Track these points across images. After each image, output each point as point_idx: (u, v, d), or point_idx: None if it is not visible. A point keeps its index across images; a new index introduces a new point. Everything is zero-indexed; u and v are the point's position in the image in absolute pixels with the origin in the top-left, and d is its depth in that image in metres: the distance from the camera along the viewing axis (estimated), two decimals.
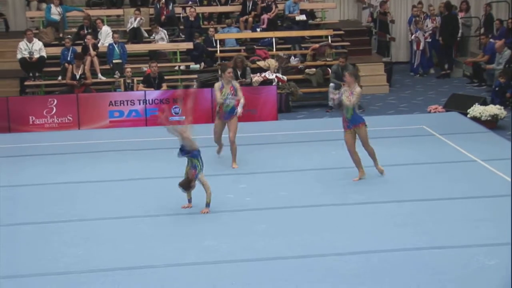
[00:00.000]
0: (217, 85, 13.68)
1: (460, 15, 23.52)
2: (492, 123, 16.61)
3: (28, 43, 19.42)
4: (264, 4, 21.82)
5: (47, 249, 10.15)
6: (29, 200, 12.22)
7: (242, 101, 13.63)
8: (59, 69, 19.45)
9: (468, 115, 17.06)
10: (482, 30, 23.38)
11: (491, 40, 21.31)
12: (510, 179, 12.21)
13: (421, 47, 22.80)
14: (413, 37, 22.98)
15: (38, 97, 18.54)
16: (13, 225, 11.05)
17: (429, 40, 22.89)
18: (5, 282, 9.15)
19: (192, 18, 21.10)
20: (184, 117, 11.62)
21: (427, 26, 22.94)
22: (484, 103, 17.52)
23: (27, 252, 10.05)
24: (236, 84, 13.77)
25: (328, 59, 20.39)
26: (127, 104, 17.65)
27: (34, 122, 17.35)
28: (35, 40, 19.59)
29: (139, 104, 17.64)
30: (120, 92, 18.21)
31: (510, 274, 8.51)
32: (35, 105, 17.50)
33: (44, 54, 19.53)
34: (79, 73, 18.79)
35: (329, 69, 19.55)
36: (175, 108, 17.51)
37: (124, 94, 17.95)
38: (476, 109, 16.97)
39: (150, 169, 13.64)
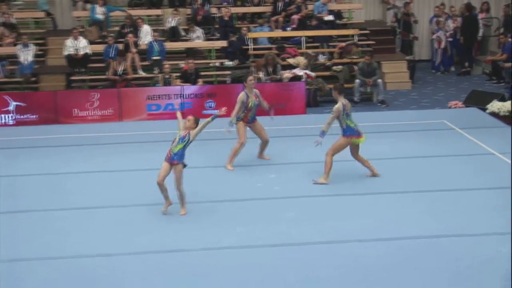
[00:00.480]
0: (242, 96, 13.10)
1: (481, 15, 23.30)
2: (509, 118, 16.45)
3: (74, 41, 19.59)
4: (295, 6, 21.80)
5: (84, 232, 10.26)
6: (63, 188, 12.32)
7: (266, 105, 13.43)
8: (102, 65, 19.59)
9: (487, 111, 16.95)
10: (501, 30, 23.13)
11: (510, 39, 21.09)
12: None
13: (442, 46, 22.64)
14: (434, 36, 22.83)
15: (81, 91, 18.66)
16: (51, 211, 11.21)
17: (450, 39, 22.71)
18: (56, 263, 9.30)
19: (226, 18, 21.14)
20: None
21: (448, 26, 22.77)
22: (502, 99, 17.35)
23: (69, 235, 10.19)
24: (257, 91, 13.42)
25: (354, 57, 20.30)
26: (164, 98, 17.72)
27: (78, 115, 17.48)
28: (81, 38, 19.74)
29: (176, 98, 17.69)
30: (158, 87, 18.28)
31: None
32: (79, 99, 17.62)
33: (88, 51, 19.68)
34: (121, 69, 18.92)
35: (355, 67, 19.50)
36: (209, 102, 17.57)
37: (161, 89, 18.02)
38: (495, 105, 16.85)
39: (186, 159, 13.60)
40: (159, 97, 17.71)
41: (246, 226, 10.36)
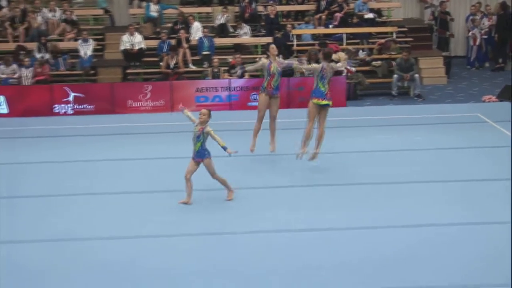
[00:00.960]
0: (264, 60, 13.19)
1: None
2: None
3: (130, 36, 19.83)
4: (337, 4, 21.76)
5: (136, 215, 10.41)
6: (109, 174, 12.55)
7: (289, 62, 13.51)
8: (156, 59, 19.81)
9: None
10: None
11: None
12: None
13: (477, 43, 22.42)
14: (470, 34, 22.59)
15: (135, 83, 18.84)
16: (112, 194, 11.45)
17: (485, 36, 22.47)
18: (110, 242, 9.51)
19: (272, 16, 21.20)
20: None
21: (483, 24, 22.53)
22: None
23: (120, 216, 10.39)
24: (280, 59, 13.34)
25: (392, 53, 20.23)
26: (212, 91, 17.87)
27: (131, 105, 17.73)
28: (136, 33, 19.97)
29: (223, 90, 17.82)
30: (206, 80, 18.43)
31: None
32: (133, 90, 17.86)
33: (143, 46, 19.91)
34: (173, 63, 19.12)
35: (393, 62, 19.43)
36: (254, 94, 17.66)
37: (209, 82, 18.18)
38: None
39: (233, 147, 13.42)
40: (207, 90, 17.88)
41: (290, 211, 10.44)
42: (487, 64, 22.87)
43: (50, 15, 21.12)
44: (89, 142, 14.81)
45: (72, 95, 17.56)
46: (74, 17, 21.37)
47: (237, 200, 10.94)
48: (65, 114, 17.52)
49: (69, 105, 17.61)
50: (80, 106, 17.60)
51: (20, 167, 12.98)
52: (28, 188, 11.72)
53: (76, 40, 20.29)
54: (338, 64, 12.26)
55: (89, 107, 17.62)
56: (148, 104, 17.76)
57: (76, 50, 19.93)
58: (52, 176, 12.42)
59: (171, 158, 13.08)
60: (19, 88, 18.03)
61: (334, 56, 19.63)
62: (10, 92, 17.63)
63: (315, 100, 12.02)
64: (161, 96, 17.80)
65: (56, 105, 17.59)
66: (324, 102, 11.98)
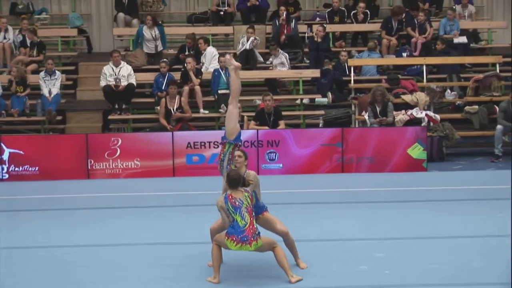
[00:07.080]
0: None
1: None
2: None
3: (114, 68, 19.87)
4: (414, 24, 21.75)
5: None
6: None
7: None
8: (151, 100, 19.79)
9: None
10: None
11: None
12: None
13: None
14: None
15: (100, 135, 18.78)
16: None
17: None
18: None
19: (318, 39, 21.15)
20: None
21: None
22: None
23: None
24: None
25: (495, 94, 20.10)
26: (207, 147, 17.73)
27: (93, 167, 17.65)
28: (123, 63, 20.03)
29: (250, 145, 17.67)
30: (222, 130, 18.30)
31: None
32: (97, 145, 17.71)
33: (133, 81, 19.93)
34: (175, 106, 19.00)
35: (497, 107, 19.27)
36: (270, 153, 17.50)
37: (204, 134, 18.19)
38: None
39: None
40: (200, 145, 17.75)
41: None
42: None
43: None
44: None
45: (7, 151, 17.59)
46: (35, 39, 21.53)
47: None
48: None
49: (3, 166, 17.62)
50: (19, 168, 17.61)
51: None
52: None
53: (36, 72, 20.40)
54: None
55: (32, 169, 17.62)
56: (116, 165, 17.65)
57: (37, 87, 20.00)
58: None
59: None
60: None
61: (409, 98, 19.67)
62: None
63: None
64: (136, 154, 17.67)
65: None
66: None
